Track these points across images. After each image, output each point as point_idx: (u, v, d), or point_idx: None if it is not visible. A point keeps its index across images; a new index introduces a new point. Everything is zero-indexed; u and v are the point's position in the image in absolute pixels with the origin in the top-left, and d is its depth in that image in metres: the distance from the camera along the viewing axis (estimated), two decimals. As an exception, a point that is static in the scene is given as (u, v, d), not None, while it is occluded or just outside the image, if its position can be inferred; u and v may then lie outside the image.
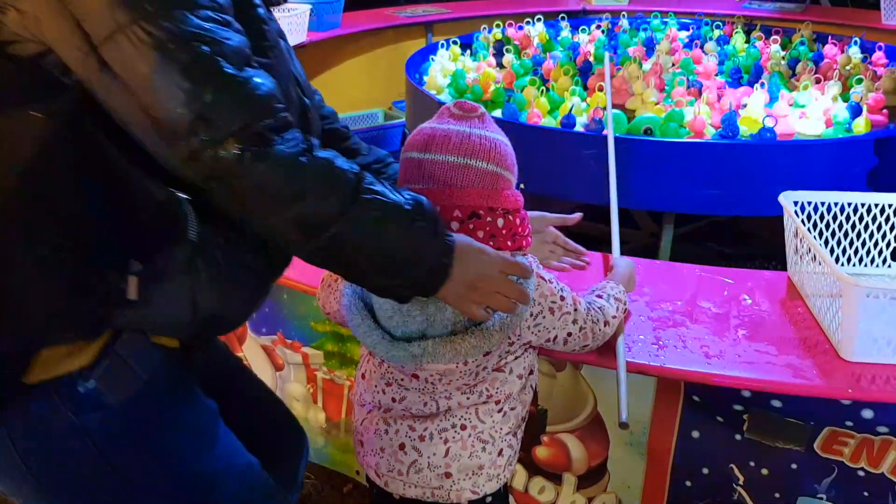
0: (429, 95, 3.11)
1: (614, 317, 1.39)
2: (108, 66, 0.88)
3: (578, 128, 2.76)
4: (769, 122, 2.61)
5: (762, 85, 2.96)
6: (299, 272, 1.57)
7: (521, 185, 2.69)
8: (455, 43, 3.66)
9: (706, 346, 1.47)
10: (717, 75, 3.38)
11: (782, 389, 1.36)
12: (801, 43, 3.73)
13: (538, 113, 2.85)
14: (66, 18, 0.87)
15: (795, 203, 1.69)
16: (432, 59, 3.57)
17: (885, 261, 1.73)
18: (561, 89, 3.05)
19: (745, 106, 2.84)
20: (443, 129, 1.20)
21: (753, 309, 1.60)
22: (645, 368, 1.43)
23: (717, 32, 3.95)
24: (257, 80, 0.92)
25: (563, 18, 4.22)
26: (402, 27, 4.57)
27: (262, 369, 2.20)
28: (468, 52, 3.72)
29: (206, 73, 0.87)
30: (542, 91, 2.97)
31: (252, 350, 2.20)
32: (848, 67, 3.29)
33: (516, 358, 1.27)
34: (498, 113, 2.92)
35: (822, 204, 1.71)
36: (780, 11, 4.64)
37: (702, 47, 3.66)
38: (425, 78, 3.41)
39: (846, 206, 1.71)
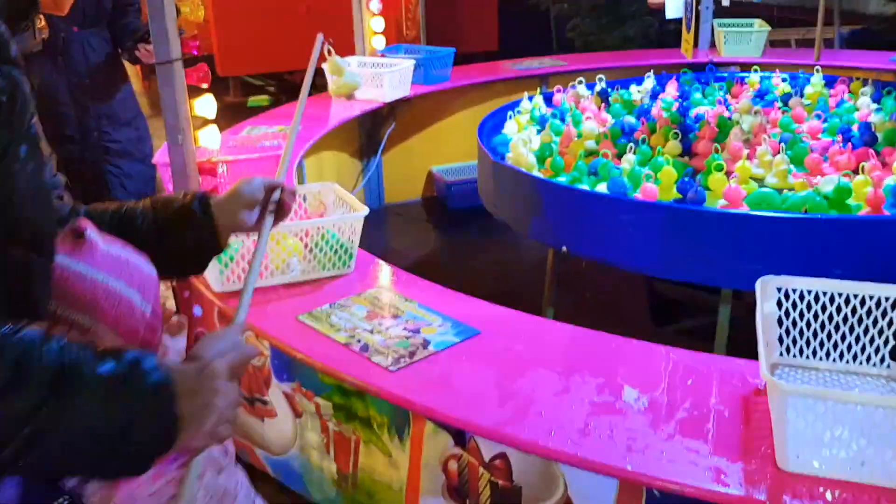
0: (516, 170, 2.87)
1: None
2: None
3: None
4: None
5: None
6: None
7: (564, 249, 2.67)
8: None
9: (633, 439, 1.40)
10: (820, 135, 3.17)
11: (686, 492, 1.27)
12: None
13: (653, 189, 2.62)
14: None
15: (779, 290, 1.57)
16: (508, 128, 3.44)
17: (882, 359, 1.56)
18: (669, 154, 2.89)
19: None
20: None
21: (710, 401, 1.50)
22: (554, 454, 1.38)
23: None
24: None
25: (685, 72, 4.12)
26: (515, 80, 4.61)
27: (284, 414, 2.30)
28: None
29: None
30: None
31: (276, 395, 2.31)
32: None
33: None
34: (603, 187, 2.71)
35: (812, 292, 1.58)
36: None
37: (786, 103, 3.42)
38: (507, 154, 3.14)
39: (836, 296, 1.56)
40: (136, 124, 3.29)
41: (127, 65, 3.36)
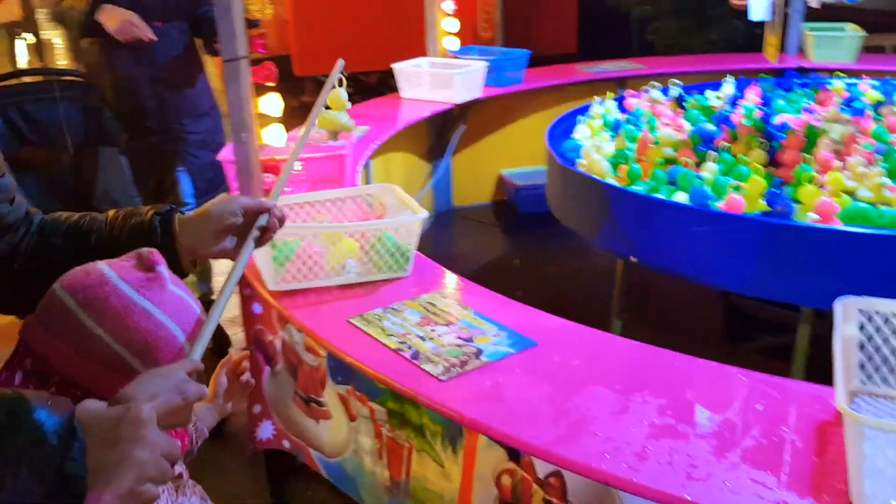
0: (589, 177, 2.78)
1: None
2: None
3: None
4: None
5: None
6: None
7: (633, 259, 2.57)
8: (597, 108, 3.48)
9: (694, 466, 1.30)
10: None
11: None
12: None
13: (739, 201, 2.47)
14: None
15: (861, 312, 1.45)
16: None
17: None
18: (754, 163, 2.75)
19: None
20: None
21: (781, 429, 1.39)
22: (609, 479, 1.30)
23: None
24: None
25: (763, 77, 3.94)
26: (590, 83, 4.49)
27: (339, 417, 2.27)
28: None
29: None
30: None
31: (331, 396, 2.28)
32: None
33: None
34: (683, 197, 2.60)
35: (900, 315, 1.45)
36: None
37: (877, 111, 3.21)
38: (578, 160, 3.06)
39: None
40: (213, 115, 3.34)
41: (208, 62, 3.40)
